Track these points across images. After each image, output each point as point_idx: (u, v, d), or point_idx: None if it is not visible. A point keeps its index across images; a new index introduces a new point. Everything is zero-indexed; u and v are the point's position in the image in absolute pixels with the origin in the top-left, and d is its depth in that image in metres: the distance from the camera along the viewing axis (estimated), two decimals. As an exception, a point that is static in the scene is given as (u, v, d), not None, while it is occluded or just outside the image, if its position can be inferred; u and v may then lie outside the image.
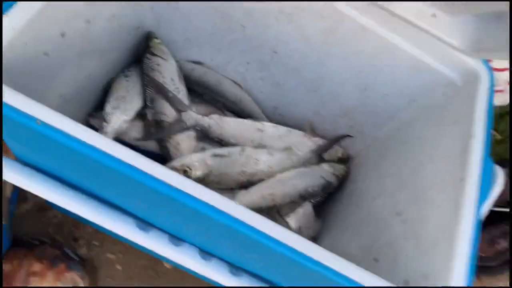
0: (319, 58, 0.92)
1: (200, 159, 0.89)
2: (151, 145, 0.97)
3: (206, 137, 0.97)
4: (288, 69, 0.97)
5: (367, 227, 0.87)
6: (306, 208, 1.03)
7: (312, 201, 1.02)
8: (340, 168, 1.06)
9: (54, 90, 0.76)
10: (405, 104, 0.94)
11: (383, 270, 0.74)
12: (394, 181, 0.88)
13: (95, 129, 0.91)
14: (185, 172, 0.86)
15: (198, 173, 0.87)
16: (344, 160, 1.11)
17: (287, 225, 0.95)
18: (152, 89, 0.94)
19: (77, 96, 0.85)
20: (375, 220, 0.86)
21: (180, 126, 0.93)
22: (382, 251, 0.78)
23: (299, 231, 1.01)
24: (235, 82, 1.07)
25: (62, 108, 0.69)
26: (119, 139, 0.95)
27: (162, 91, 0.93)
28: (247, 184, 0.96)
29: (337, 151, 1.10)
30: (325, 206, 1.08)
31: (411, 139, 0.91)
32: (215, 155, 0.92)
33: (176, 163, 0.87)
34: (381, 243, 0.80)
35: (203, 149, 0.97)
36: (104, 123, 0.90)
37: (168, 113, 0.94)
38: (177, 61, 1.02)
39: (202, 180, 0.88)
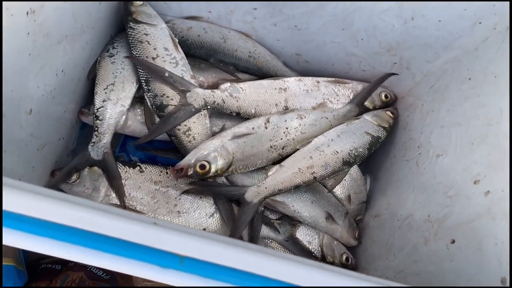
0: (347, -12, 0.70)
1: (218, 148, 0.73)
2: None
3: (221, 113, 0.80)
4: (308, 9, 0.76)
5: (434, 194, 0.71)
6: (352, 174, 0.87)
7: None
8: (386, 116, 0.88)
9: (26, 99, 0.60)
10: (467, 28, 0.72)
11: (465, 259, 0.60)
12: (463, 134, 0.69)
13: (91, 127, 0.77)
14: (203, 169, 0.71)
15: (219, 165, 0.72)
16: (389, 103, 0.92)
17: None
18: (143, 69, 0.76)
19: (59, 96, 0.69)
20: (444, 187, 0.69)
21: (187, 111, 0.75)
22: (460, 231, 0.63)
23: (348, 201, 0.87)
24: (244, 34, 0.87)
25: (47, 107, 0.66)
26: (119, 134, 0.81)
27: (154, 73, 0.75)
28: (279, 159, 0.81)
29: (379, 95, 0.91)
30: (372, 159, 0.92)
31: (477, 74, 0.70)
32: (236, 137, 0.75)
33: (189, 161, 0.71)
34: (456, 219, 0.65)
35: (223, 129, 0.80)
36: (97, 121, 0.74)
37: (170, 94, 0.76)
38: (167, 22, 0.82)
39: (226, 171, 0.74)
